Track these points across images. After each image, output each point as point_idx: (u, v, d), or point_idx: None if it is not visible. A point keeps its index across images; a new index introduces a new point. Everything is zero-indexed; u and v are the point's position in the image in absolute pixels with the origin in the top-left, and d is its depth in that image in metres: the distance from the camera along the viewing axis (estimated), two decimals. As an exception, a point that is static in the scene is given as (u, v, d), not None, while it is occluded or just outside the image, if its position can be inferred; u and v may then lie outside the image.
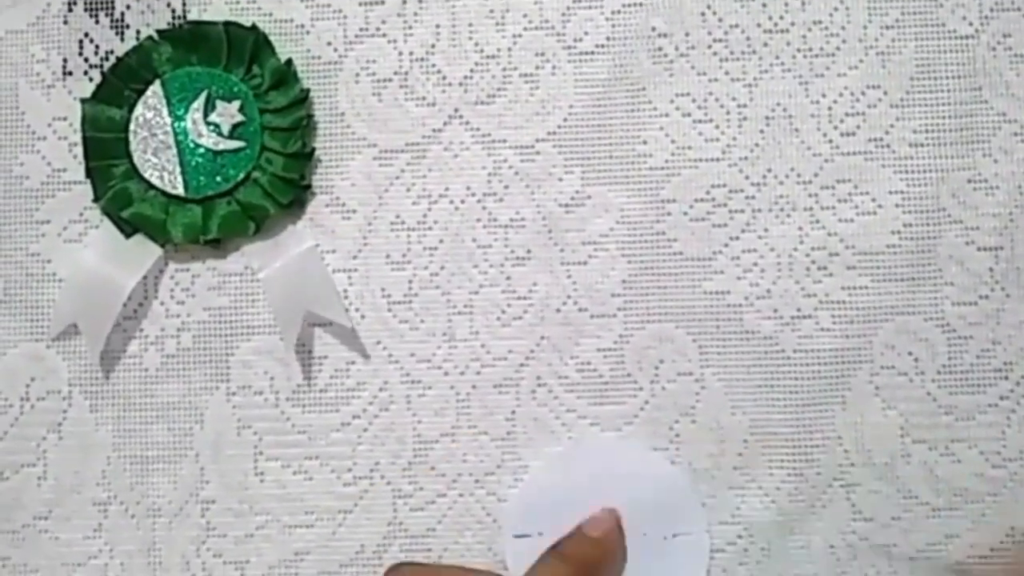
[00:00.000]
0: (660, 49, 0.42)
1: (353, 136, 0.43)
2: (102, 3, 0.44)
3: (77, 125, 0.43)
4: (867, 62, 0.42)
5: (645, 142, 0.42)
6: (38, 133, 0.44)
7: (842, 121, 0.42)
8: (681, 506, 0.40)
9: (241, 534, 0.42)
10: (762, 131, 0.42)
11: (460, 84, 0.43)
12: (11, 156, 0.44)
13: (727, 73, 0.42)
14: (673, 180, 0.42)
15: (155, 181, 0.42)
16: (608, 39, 0.43)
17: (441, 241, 0.42)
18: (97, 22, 0.44)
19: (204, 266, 0.43)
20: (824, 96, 0.42)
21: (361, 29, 0.43)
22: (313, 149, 0.43)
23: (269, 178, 0.42)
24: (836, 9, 0.42)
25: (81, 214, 0.43)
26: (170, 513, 0.42)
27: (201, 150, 0.42)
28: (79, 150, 0.43)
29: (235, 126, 0.42)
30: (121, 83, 0.43)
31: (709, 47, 0.42)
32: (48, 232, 0.43)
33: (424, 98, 0.43)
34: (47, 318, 0.43)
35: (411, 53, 0.43)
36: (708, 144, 0.42)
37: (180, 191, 0.42)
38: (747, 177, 0.42)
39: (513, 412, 0.42)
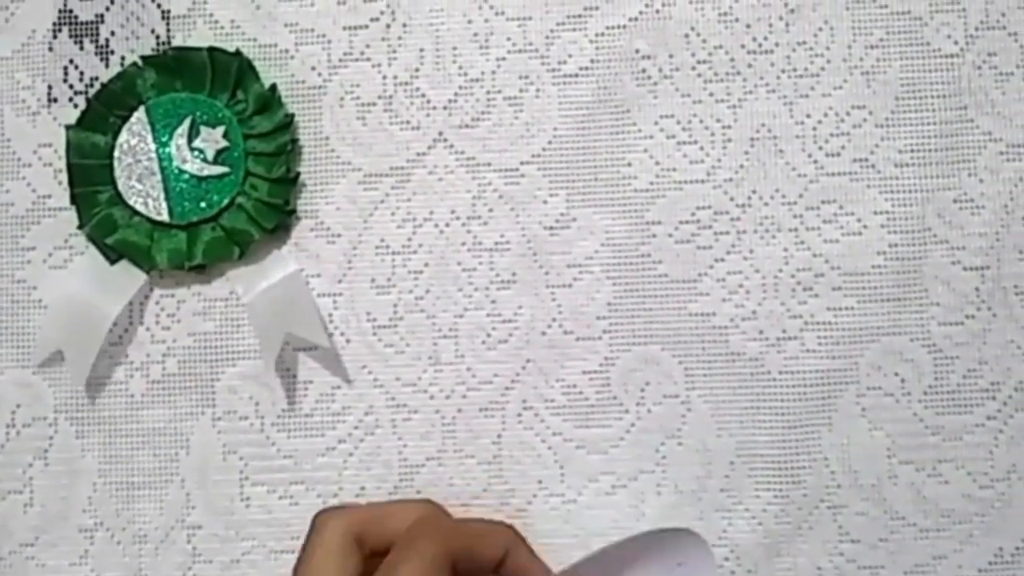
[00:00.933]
0: (644, 71, 0.42)
1: (338, 160, 0.43)
2: (87, 30, 0.44)
3: (62, 151, 0.43)
4: (852, 82, 0.42)
5: (630, 164, 0.42)
6: (23, 160, 0.44)
7: (827, 141, 0.42)
8: (683, 535, 0.39)
9: (227, 559, 0.42)
10: (747, 152, 0.42)
11: (444, 108, 0.43)
12: (-4, 182, 0.44)
13: (711, 94, 0.42)
14: (658, 202, 0.42)
15: (139, 207, 0.42)
16: (592, 61, 0.42)
17: (426, 265, 0.42)
18: (82, 48, 0.44)
19: (189, 291, 0.43)
20: (809, 116, 0.42)
21: (345, 53, 0.43)
22: (298, 174, 0.43)
23: (254, 203, 0.42)
24: (820, 29, 0.42)
25: (66, 240, 0.43)
26: (156, 539, 0.42)
27: (185, 176, 0.42)
28: (64, 176, 0.43)
29: (219, 152, 0.42)
30: (105, 109, 0.43)
31: (693, 68, 0.42)
32: (33, 259, 0.43)
33: (408, 122, 0.43)
34: (33, 345, 0.43)
35: (395, 77, 0.43)
36: (693, 166, 0.42)
37: (165, 217, 0.42)
38: (732, 199, 0.42)
39: (499, 435, 0.42)
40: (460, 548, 0.36)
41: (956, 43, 0.42)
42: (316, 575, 0.35)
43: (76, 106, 0.43)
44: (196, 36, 0.43)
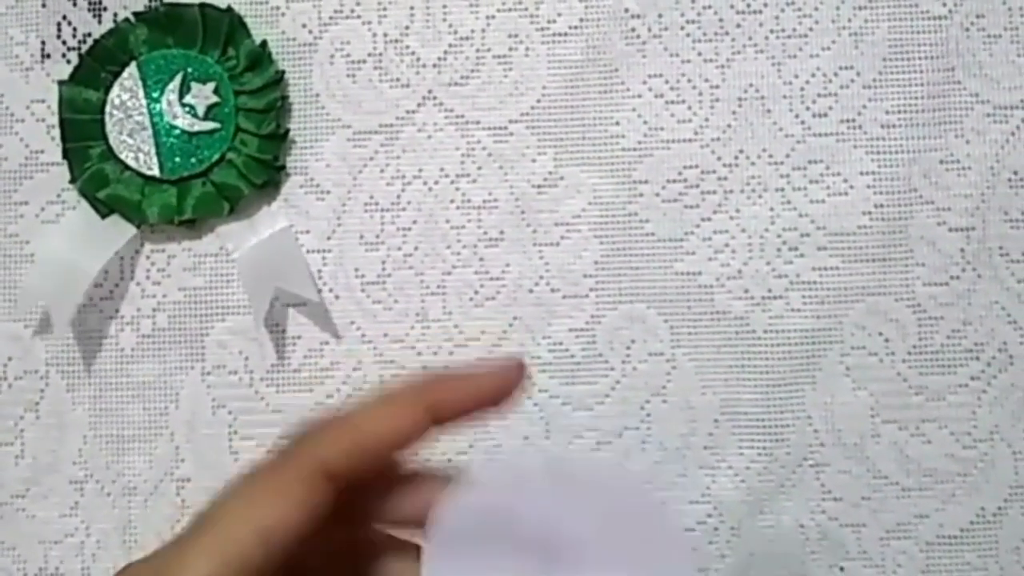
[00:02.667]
0: (633, 30, 0.43)
1: (328, 117, 0.43)
2: (79, -15, 0.44)
3: (55, 107, 0.43)
4: (840, 43, 0.42)
5: (618, 123, 0.42)
6: (16, 115, 0.44)
7: (814, 102, 0.42)
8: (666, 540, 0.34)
9: (216, 512, 0.42)
10: (734, 112, 0.42)
11: (434, 66, 0.43)
12: (-11, 138, 0.44)
13: (700, 54, 0.42)
14: (645, 161, 0.42)
15: (131, 162, 0.42)
16: (581, 20, 0.43)
17: (415, 222, 0.43)
18: (75, 5, 0.44)
19: (179, 247, 0.43)
20: (796, 77, 0.42)
21: (336, 11, 0.43)
22: (287, 130, 0.43)
23: (244, 159, 0.42)
24: (809, -10, 0.42)
25: (59, 195, 0.44)
26: (145, 491, 0.42)
27: (176, 131, 0.42)
28: (57, 132, 0.43)
29: (210, 107, 0.42)
30: (98, 65, 0.43)
31: (682, 28, 0.42)
32: (26, 213, 0.44)
33: (398, 79, 0.43)
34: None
35: (385, 35, 0.43)
36: (680, 125, 0.42)
37: (155, 172, 0.42)
38: (719, 158, 0.42)
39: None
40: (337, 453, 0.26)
41: (944, 5, 0.42)
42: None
43: (69, 62, 0.44)
44: (188, -7, 0.44)
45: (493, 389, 0.28)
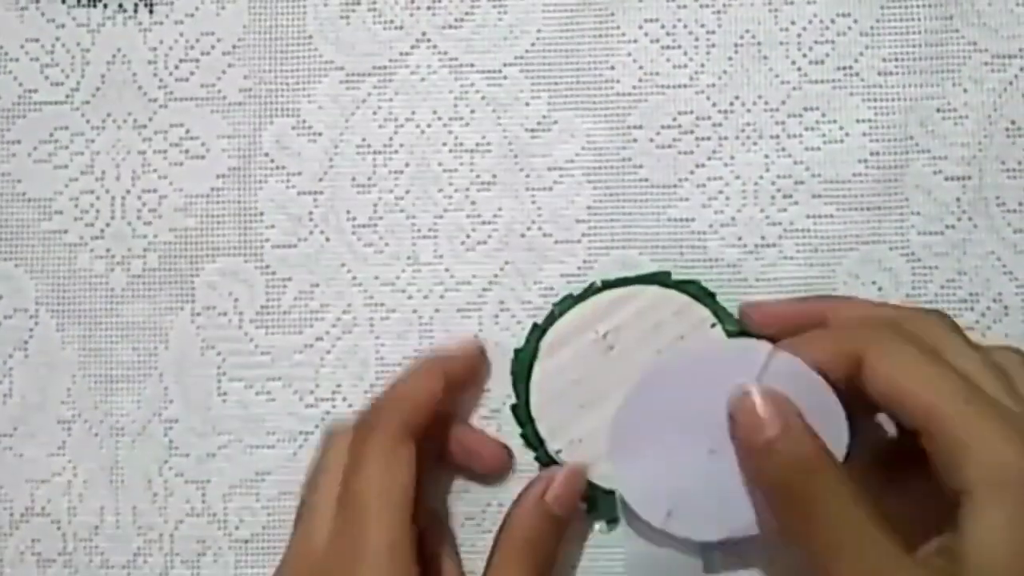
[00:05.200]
0: (629, -25, 0.42)
1: (320, 59, 0.43)
2: (75, -75, 0.44)
3: (49, 47, 0.43)
4: (838, -10, 0.42)
5: (613, 68, 0.42)
6: (10, 54, 0.44)
7: (811, 48, 0.42)
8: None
9: (203, 453, 0.42)
10: (730, 58, 0.42)
11: (428, 8, 0.43)
12: (-17, 77, 0.44)
13: (696, -1, 0.42)
14: (640, 106, 0.42)
15: None
16: (577, -36, 0.42)
17: (407, 165, 0.42)
18: (70, -55, 0.44)
19: (171, 187, 0.43)
20: (793, 23, 0.42)
21: (331, -47, 0.43)
22: None
23: None
24: (808, -62, 0.42)
25: (51, 134, 0.43)
26: (133, 432, 0.42)
27: None
28: (50, 71, 0.43)
29: None
30: None
31: (678, -26, 0.42)
32: (18, 152, 0.44)
33: (392, 21, 0.43)
34: (16, 237, 0.43)
35: (380, -23, 0.43)
36: (676, 70, 0.42)
37: None
38: (714, 104, 0.42)
39: (476, 336, 0.42)
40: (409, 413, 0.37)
41: (944, -47, 0.42)
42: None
43: (64, 1, 0.44)
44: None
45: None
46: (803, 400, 0.33)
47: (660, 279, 0.40)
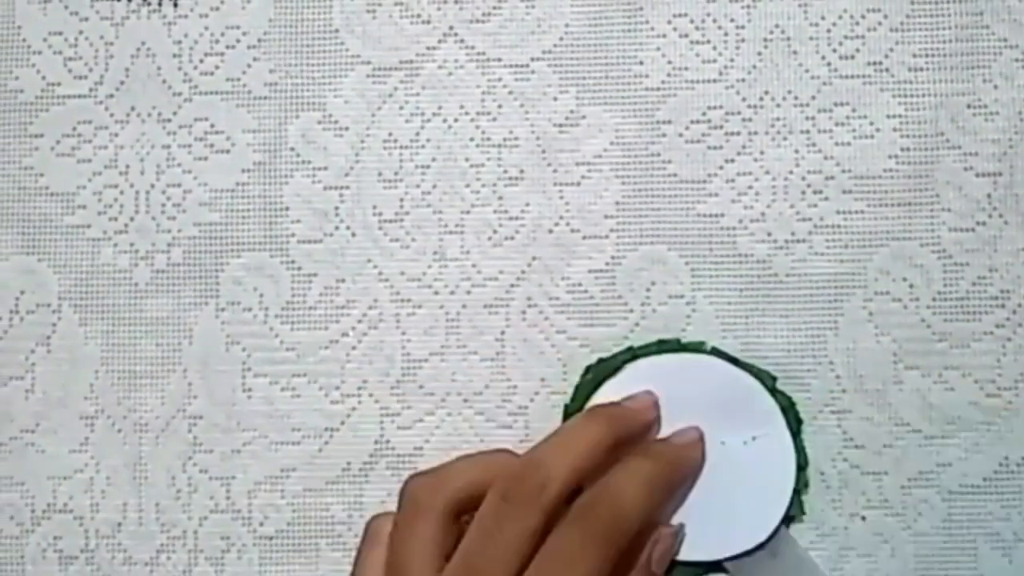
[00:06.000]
0: (658, -31, 0.42)
1: (347, 53, 0.43)
2: (99, -83, 0.44)
3: (72, 39, 0.43)
4: (867, -14, 0.41)
5: (641, 62, 0.42)
6: (33, 47, 0.44)
7: (841, 44, 0.41)
8: (753, 407, 0.39)
9: (227, 450, 0.42)
10: (760, 53, 0.42)
11: (455, 1, 0.42)
12: (6, 70, 0.44)
13: (725, -6, 0.42)
14: (669, 101, 0.42)
15: None
16: (606, -41, 0.42)
17: (434, 160, 0.42)
18: (94, -63, 0.44)
19: (195, 181, 0.43)
20: (823, 18, 0.42)
21: (357, -54, 0.43)
22: None
23: None
24: (837, -67, 0.42)
25: (74, 128, 0.43)
26: (157, 428, 0.42)
27: None
28: (74, 64, 0.43)
29: None
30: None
31: (707, -32, 0.42)
32: (41, 146, 0.43)
33: (419, 15, 0.43)
34: (39, 231, 0.43)
35: (407, -29, 0.43)
36: (705, 65, 0.42)
37: None
38: (744, 99, 0.42)
39: (503, 332, 0.41)
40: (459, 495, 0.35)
41: (974, -52, 0.41)
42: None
43: (87, -6, 0.43)
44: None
45: None
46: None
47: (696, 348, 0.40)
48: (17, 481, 0.42)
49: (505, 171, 0.42)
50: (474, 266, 0.42)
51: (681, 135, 0.42)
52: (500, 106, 0.42)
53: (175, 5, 0.43)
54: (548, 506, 0.34)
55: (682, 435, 0.39)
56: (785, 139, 0.41)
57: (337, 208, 0.42)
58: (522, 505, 0.34)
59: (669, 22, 0.42)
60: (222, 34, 0.43)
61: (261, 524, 0.41)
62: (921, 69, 0.41)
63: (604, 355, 0.41)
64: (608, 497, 0.35)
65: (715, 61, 0.42)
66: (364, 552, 0.36)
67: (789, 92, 0.41)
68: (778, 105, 0.41)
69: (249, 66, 0.43)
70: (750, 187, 0.41)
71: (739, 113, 0.41)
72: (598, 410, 0.38)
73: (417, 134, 0.42)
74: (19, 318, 0.43)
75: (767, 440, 0.39)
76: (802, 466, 0.39)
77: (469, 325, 0.42)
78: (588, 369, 0.40)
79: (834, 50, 0.41)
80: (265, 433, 0.42)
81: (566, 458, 0.35)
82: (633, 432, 0.38)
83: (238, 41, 0.43)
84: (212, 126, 0.43)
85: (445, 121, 0.42)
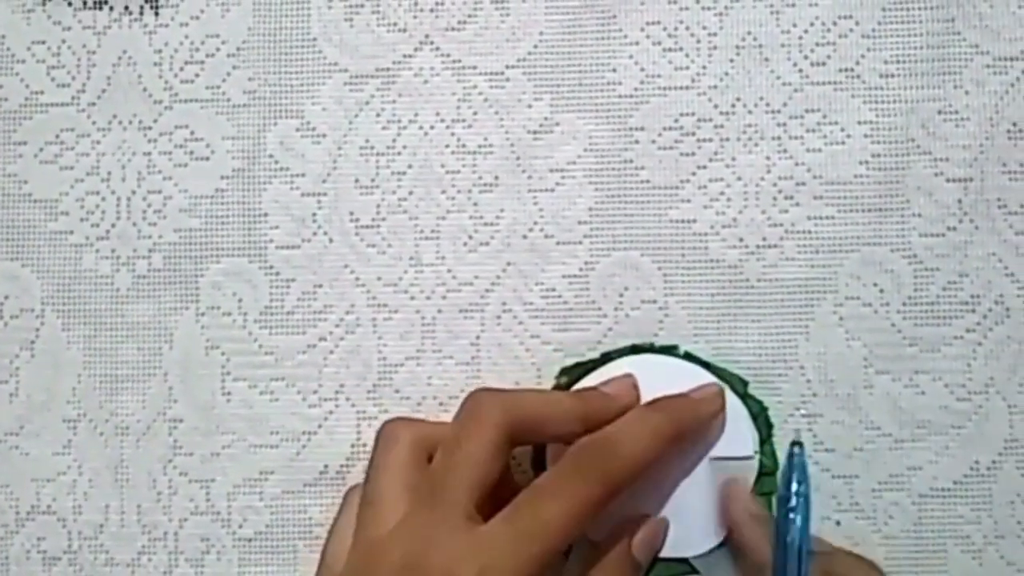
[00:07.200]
0: (631, -23, 0.42)
1: (324, 61, 0.43)
2: (81, -72, 0.44)
3: (55, 48, 0.44)
4: (839, -7, 0.42)
5: (614, 70, 0.42)
6: (17, 56, 0.44)
7: (812, 50, 0.42)
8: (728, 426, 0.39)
9: (207, 453, 0.42)
10: (732, 60, 0.42)
11: (431, 10, 0.43)
12: (-10, 78, 0.44)
13: (698, 1, 0.42)
14: (642, 108, 0.42)
15: None
16: (579, -33, 0.43)
17: (410, 166, 0.43)
18: (77, -52, 0.44)
19: (176, 188, 0.43)
20: (795, 25, 0.42)
21: (335, -44, 0.43)
22: None
23: None
24: (810, -60, 0.42)
25: (57, 136, 0.44)
26: (138, 431, 0.43)
27: None
28: (56, 73, 0.44)
29: None
30: None
31: (680, -24, 0.42)
32: (25, 153, 0.44)
33: (395, 23, 0.43)
34: (22, 237, 0.44)
35: (384, -21, 0.43)
36: (677, 72, 0.42)
37: None
38: (716, 106, 0.42)
39: (478, 337, 0.42)
40: (522, 418, 0.36)
41: (946, -45, 0.42)
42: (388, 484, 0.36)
43: (70, 4, 0.44)
44: (189, -64, 0.44)
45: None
46: None
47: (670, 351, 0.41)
48: (1, 483, 0.43)
49: (480, 177, 0.42)
50: (449, 271, 0.42)
51: (654, 142, 0.42)
52: (475, 113, 0.43)
53: (156, 14, 0.44)
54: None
55: (701, 390, 0.39)
56: (757, 145, 0.42)
57: (315, 214, 0.43)
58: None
59: (642, 30, 0.42)
60: (202, 43, 0.44)
61: (240, 526, 0.42)
62: (892, 75, 0.41)
63: (578, 359, 0.41)
64: (608, 439, 0.35)
65: (688, 68, 0.42)
66: (377, 456, 0.37)
67: (761, 99, 0.42)
68: (750, 111, 0.42)
69: (228, 74, 0.44)
70: (722, 193, 0.42)
71: (711, 120, 0.42)
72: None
73: (393, 141, 0.43)
74: (3, 323, 0.43)
75: (735, 462, 0.39)
76: (771, 470, 0.39)
77: (444, 330, 0.42)
78: (562, 372, 0.41)
79: (806, 57, 0.42)
80: (244, 436, 0.42)
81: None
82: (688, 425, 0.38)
83: (217, 50, 0.44)
84: (192, 133, 0.43)
85: (421, 128, 0.43)
